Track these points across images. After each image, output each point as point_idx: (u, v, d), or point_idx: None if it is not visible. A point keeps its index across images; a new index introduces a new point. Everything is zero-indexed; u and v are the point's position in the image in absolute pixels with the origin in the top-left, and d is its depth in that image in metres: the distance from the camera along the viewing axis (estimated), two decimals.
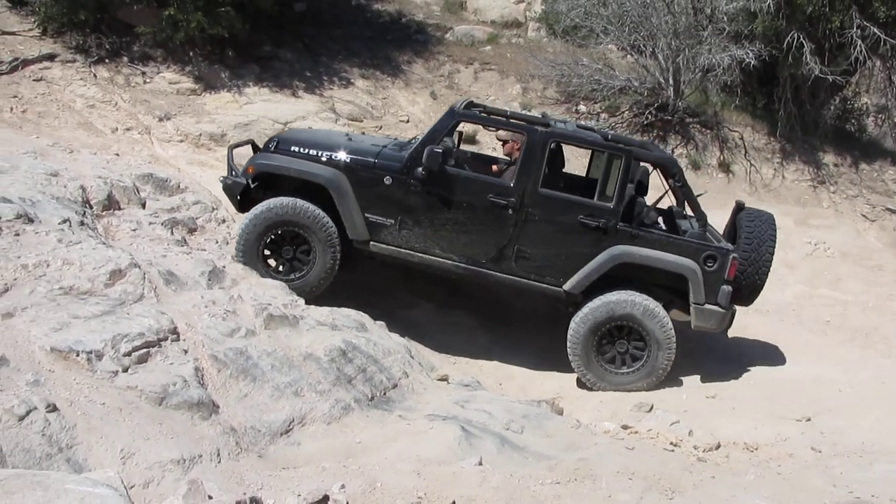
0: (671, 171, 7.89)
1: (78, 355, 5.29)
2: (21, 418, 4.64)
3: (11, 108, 11.12)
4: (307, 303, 7.16)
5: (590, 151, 9.07)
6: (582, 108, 15.22)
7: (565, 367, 8.19)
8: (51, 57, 12.28)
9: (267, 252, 7.78)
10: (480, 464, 5.21)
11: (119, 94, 12.30)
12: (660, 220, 8.29)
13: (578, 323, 7.65)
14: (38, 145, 9.43)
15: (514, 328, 9.14)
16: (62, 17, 12.53)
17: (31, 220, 6.61)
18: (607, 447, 6.05)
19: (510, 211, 7.51)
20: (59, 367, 5.25)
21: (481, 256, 7.67)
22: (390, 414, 6.09)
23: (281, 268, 7.80)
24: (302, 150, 7.78)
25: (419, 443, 5.55)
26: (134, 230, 7.89)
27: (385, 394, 6.34)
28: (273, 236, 7.69)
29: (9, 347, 5.29)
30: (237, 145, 8.80)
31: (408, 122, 14.10)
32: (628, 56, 15.85)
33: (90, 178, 8.17)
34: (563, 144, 8.13)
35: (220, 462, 5.04)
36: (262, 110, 12.60)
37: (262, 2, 13.32)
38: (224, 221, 9.32)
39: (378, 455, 5.38)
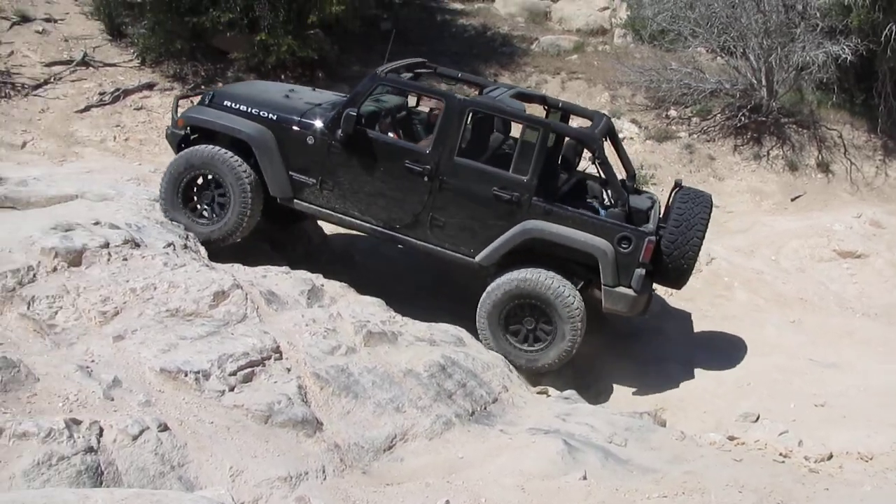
0: (590, 147, 7.62)
1: (186, 375, 5.44)
2: (135, 438, 4.79)
3: (115, 137, 11.55)
4: (402, 315, 7.21)
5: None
6: (672, 112, 14.98)
7: (665, 377, 8.08)
8: (150, 86, 12.73)
9: (191, 198, 7.81)
10: (585, 478, 5.16)
11: None
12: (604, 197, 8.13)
13: (486, 296, 7.51)
14: (140, 172, 9.78)
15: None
16: (159, 47, 12.99)
17: (137, 245, 6.83)
18: (714, 459, 5.93)
19: (425, 178, 7.42)
20: (169, 388, 5.41)
21: (397, 222, 7.62)
22: (491, 428, 6.08)
23: (205, 213, 7.80)
24: (234, 104, 7.80)
25: (522, 457, 5.52)
26: (234, 252, 8.10)
27: (485, 408, 6.34)
28: (193, 182, 7.74)
29: (121, 369, 5.48)
30: (184, 96, 8.89)
31: None
32: (718, 58, 15.54)
33: None
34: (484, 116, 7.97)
35: (325, 479, 5.11)
36: None
37: (349, 23, 13.55)
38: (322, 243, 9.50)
39: (481, 470, 5.38)
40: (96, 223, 7.02)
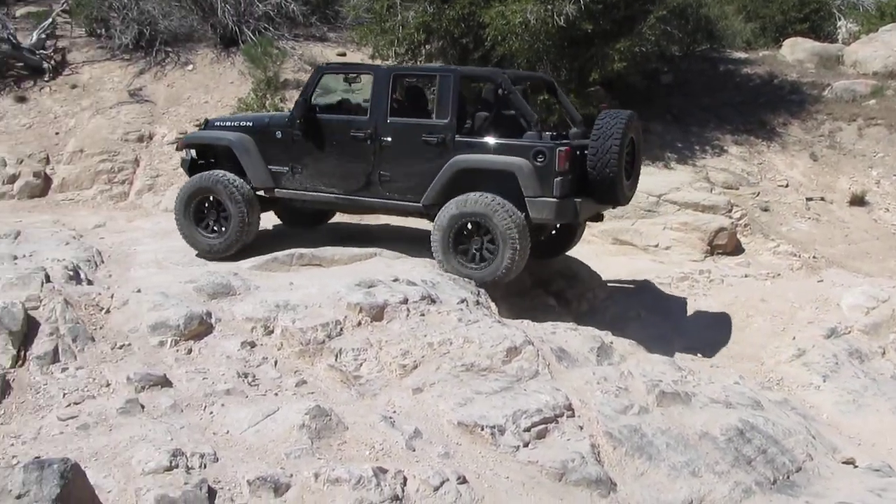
0: (496, 83, 8.28)
1: (482, 430, 5.55)
2: (436, 489, 4.94)
3: None
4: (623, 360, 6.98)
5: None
6: None
7: None
8: None
9: (201, 219, 8.72)
10: None
11: None
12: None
13: (435, 222, 8.06)
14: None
15: None
16: None
17: (433, 301, 7.11)
18: None
19: (368, 142, 8.27)
20: (466, 441, 5.54)
21: (355, 186, 8.45)
22: (796, 499, 5.70)
23: (215, 230, 8.67)
24: (221, 123, 9.13)
25: None
26: (521, 307, 8.23)
27: (788, 477, 5.96)
28: (199, 204, 8.68)
29: (421, 421, 5.69)
30: (186, 146, 9.51)
31: (787, 186, 13.50)
32: None
33: None
34: (408, 79, 9.24)
35: None
36: None
37: (630, 78, 13.52)
38: (607, 298, 9.45)
39: None
40: (395, 280, 7.41)
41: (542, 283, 9.15)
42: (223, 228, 8.59)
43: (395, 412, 5.80)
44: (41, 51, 15.43)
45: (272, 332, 6.70)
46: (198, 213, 8.71)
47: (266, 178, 8.70)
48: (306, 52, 15.89)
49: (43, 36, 15.76)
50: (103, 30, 16.33)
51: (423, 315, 6.89)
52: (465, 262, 7.98)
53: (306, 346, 6.51)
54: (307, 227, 9.78)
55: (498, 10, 12.75)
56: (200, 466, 4.89)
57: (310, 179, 8.61)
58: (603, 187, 8.03)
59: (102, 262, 8.53)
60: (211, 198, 8.63)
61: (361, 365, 6.34)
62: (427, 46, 14.27)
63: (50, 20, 16.19)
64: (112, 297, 7.00)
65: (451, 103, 8.08)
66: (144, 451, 4.94)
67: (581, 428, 5.78)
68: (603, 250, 11.81)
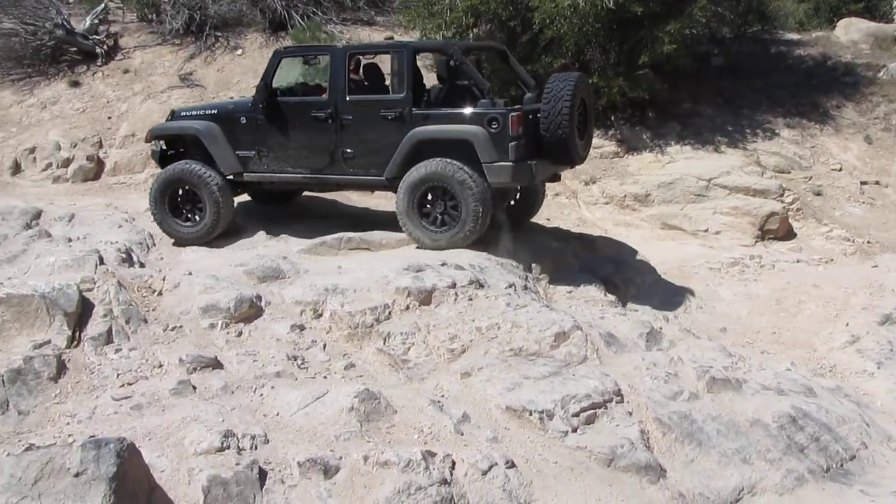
0: (448, 55, 8.51)
1: (531, 414, 5.55)
2: (484, 473, 4.96)
3: None
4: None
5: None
6: None
7: None
8: None
9: (175, 208, 8.96)
10: None
11: None
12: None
13: (399, 189, 8.21)
14: None
15: None
16: (494, 95, 13.52)
17: (481, 286, 7.11)
18: None
19: (329, 121, 8.49)
20: (514, 426, 5.54)
21: (319, 164, 8.68)
22: (850, 488, 5.62)
23: (188, 218, 8.94)
24: (187, 113, 9.36)
25: None
26: (569, 292, 8.20)
27: (842, 465, 5.87)
28: (174, 195, 8.91)
29: (469, 405, 5.70)
30: (156, 136, 9.63)
31: (840, 170, 13.24)
32: None
33: None
34: (362, 56, 9.38)
35: None
36: (684, 168, 12.51)
37: (679, 61, 13.32)
38: (655, 283, 9.37)
39: None
40: (443, 264, 7.41)
41: (590, 268, 9.08)
42: (198, 217, 8.87)
43: (443, 396, 5.82)
44: (94, 36, 15.60)
45: (321, 315, 6.75)
46: (172, 203, 8.95)
47: (234, 164, 8.91)
48: (354, 36, 15.88)
49: (96, 21, 15.93)
50: (154, 15, 16.45)
51: (471, 299, 6.89)
52: (430, 227, 8.20)
53: (355, 329, 6.55)
54: (278, 204, 10.13)
55: None
56: (251, 447, 4.95)
57: (276, 162, 8.85)
58: (557, 148, 8.24)
59: (154, 244, 8.67)
60: (185, 188, 8.89)
61: (409, 349, 6.37)
62: (475, 30, 14.19)
63: (102, 6, 16.36)
64: (164, 279, 7.09)
65: (406, 78, 8.33)
66: (197, 431, 5.01)
67: (630, 414, 5.76)
68: (651, 235, 11.70)
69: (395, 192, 8.37)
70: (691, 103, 14.19)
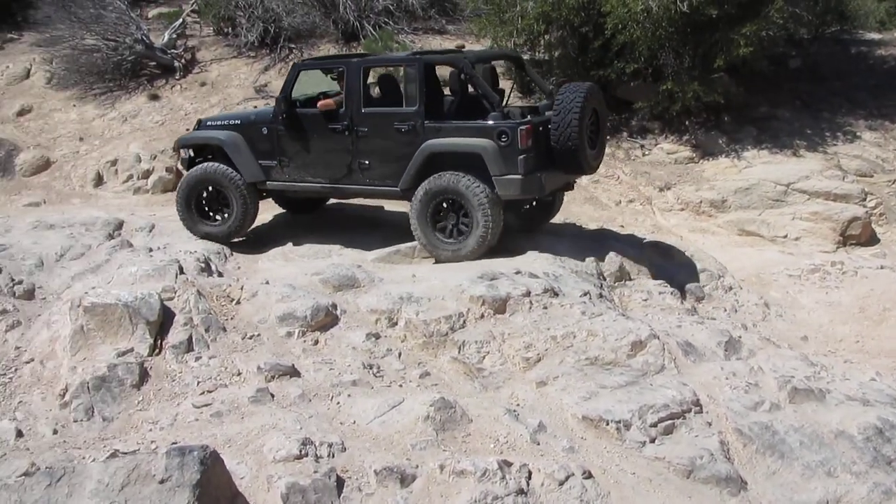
0: (458, 67, 8.58)
1: (608, 424, 5.49)
2: (561, 483, 4.92)
3: None
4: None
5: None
6: None
7: None
8: None
9: (204, 208, 9.25)
10: None
11: (620, 167, 12.84)
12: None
13: (413, 202, 8.34)
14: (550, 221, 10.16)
15: None
16: None
17: (556, 294, 7.07)
18: None
19: (346, 133, 8.61)
20: (591, 435, 5.50)
21: (337, 174, 8.82)
22: None
23: (217, 217, 9.20)
24: (213, 123, 9.51)
25: None
26: (645, 300, 8.09)
27: None
28: (203, 193, 9.17)
29: (545, 414, 5.67)
30: (182, 146, 9.87)
31: None
32: None
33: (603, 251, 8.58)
34: (376, 69, 9.72)
35: None
36: (762, 173, 12.29)
37: (756, 63, 13.09)
38: (731, 289, 9.20)
39: None
40: (517, 272, 7.39)
41: (666, 275, 8.96)
42: (225, 216, 9.13)
43: (518, 405, 5.80)
44: (172, 50, 16.00)
45: (396, 323, 6.78)
46: (199, 202, 9.21)
47: (257, 172, 9.09)
48: (425, 45, 15.95)
49: (174, 36, 16.34)
50: (230, 28, 16.80)
51: (545, 308, 6.86)
52: (442, 238, 8.31)
53: (430, 338, 6.57)
54: (306, 212, 10.40)
55: None
56: (329, 455, 4.99)
57: (296, 171, 9.01)
58: (567, 159, 8.29)
59: (231, 254, 8.82)
60: (210, 188, 9.16)
61: (484, 357, 6.37)
62: (546, 36, 14.16)
63: (180, 20, 16.78)
64: (242, 288, 7.20)
65: (419, 91, 8.41)
66: (275, 439, 5.07)
67: (709, 424, 5.66)
68: (728, 241, 11.51)
69: (409, 202, 8.47)
70: (768, 107, 13.93)
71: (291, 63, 9.33)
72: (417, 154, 8.29)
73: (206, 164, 9.23)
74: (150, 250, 8.46)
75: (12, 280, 7.68)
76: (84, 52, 15.75)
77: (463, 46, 16.16)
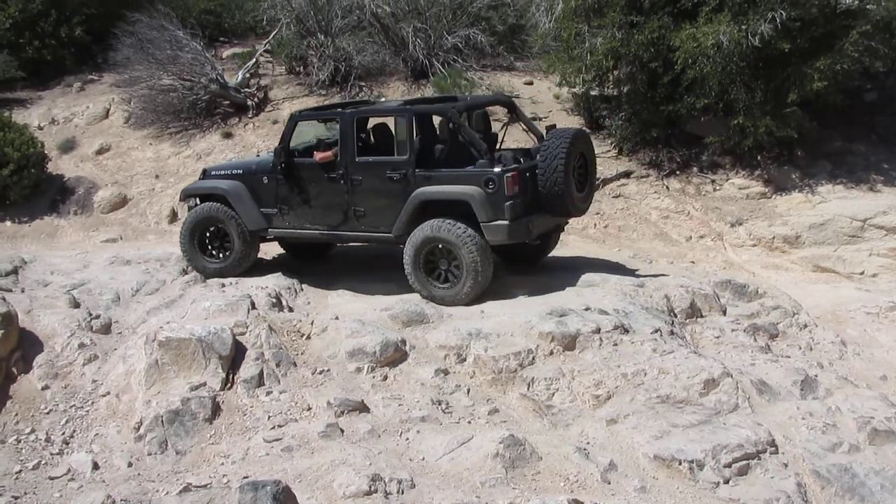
0: (445, 117, 8.81)
1: (680, 464, 5.41)
2: None
3: (595, 225, 12.07)
4: None
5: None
6: None
7: None
8: (627, 174, 13.16)
9: (206, 244, 9.43)
10: None
11: (691, 203, 12.69)
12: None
13: (406, 249, 8.41)
14: (620, 257, 10.07)
15: None
16: (635, 137, 13.44)
17: (626, 331, 7.00)
18: None
19: (341, 182, 8.78)
20: (663, 475, 5.41)
21: (334, 221, 8.98)
22: None
23: (214, 253, 9.39)
24: (217, 172, 9.75)
25: None
26: (717, 337, 7.95)
27: None
28: (205, 232, 9.37)
29: (615, 452, 5.61)
30: (189, 195, 10.10)
31: None
32: None
33: (672, 287, 8.47)
34: (371, 118, 9.50)
35: None
36: (837, 208, 12.04)
37: (830, 97, 12.86)
38: (806, 326, 8.99)
39: None
40: (587, 309, 7.34)
41: (737, 312, 8.80)
42: (227, 254, 9.34)
43: (588, 443, 5.75)
44: (245, 89, 16.32)
45: (465, 360, 6.79)
46: (202, 240, 9.45)
47: (259, 220, 9.31)
48: (494, 82, 16.05)
49: (247, 75, 16.68)
50: (302, 67, 17.08)
51: (615, 345, 6.80)
52: (435, 283, 8.36)
53: (498, 374, 6.56)
54: (312, 259, 10.34)
55: (689, 33, 12.42)
56: (398, 492, 5.00)
57: (295, 218, 9.21)
58: (554, 203, 8.47)
59: (301, 289, 8.91)
60: (213, 227, 9.40)
61: (554, 394, 6.33)
62: (615, 72, 14.12)
63: (253, 60, 17.13)
64: (312, 323, 7.29)
65: (409, 140, 8.60)
66: (345, 474, 5.10)
67: (786, 465, 5.54)
68: (803, 278, 11.28)
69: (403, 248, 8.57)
70: (843, 141, 13.65)
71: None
72: (409, 202, 8.44)
73: (207, 203, 9.48)
74: (223, 285, 8.62)
75: (90, 314, 7.88)
76: (161, 92, 16.16)
77: (531, 83, 16.22)
